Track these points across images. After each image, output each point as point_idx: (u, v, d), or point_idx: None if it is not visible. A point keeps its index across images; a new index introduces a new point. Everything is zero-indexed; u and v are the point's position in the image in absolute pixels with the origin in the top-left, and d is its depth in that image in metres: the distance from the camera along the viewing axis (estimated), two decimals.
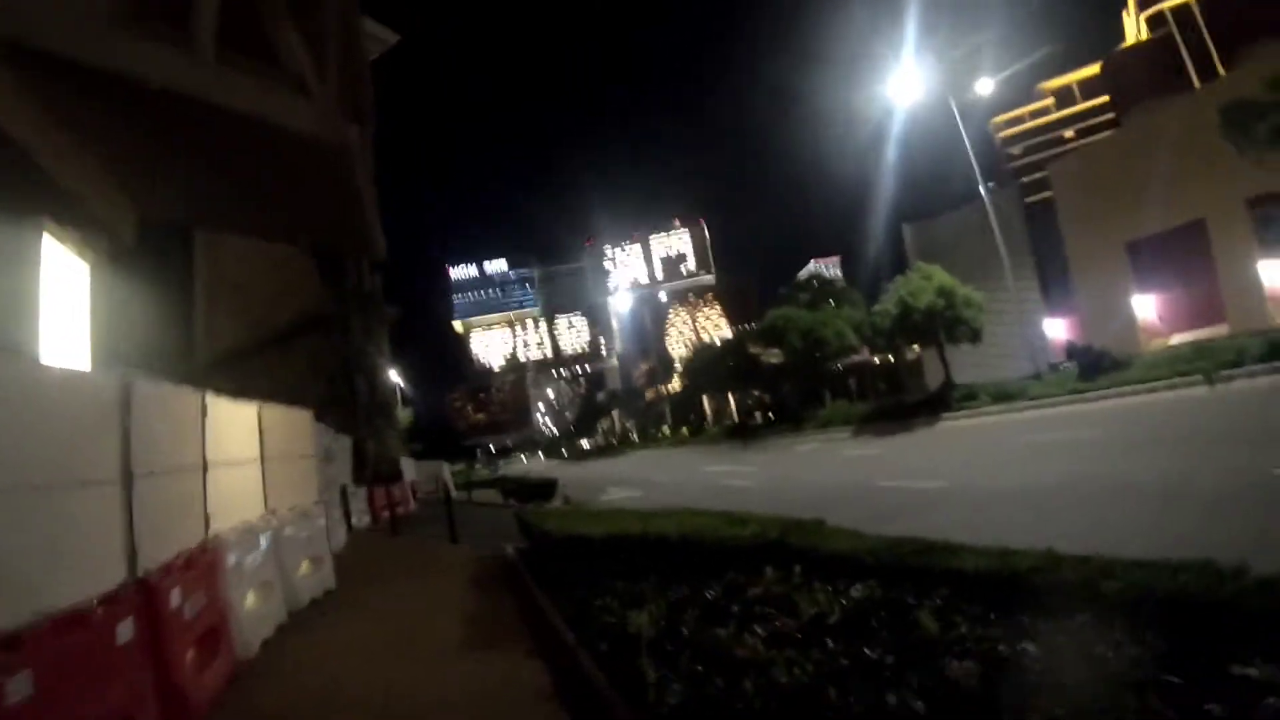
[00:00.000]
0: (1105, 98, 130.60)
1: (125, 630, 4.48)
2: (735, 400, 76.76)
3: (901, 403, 36.96)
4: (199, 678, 5.48)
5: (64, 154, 9.54)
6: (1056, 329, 53.35)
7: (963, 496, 11.35)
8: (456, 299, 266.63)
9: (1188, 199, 41.27)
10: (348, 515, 18.48)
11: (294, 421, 10.26)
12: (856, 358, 52.96)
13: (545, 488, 26.31)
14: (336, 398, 33.13)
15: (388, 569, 11.79)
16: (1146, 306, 45.98)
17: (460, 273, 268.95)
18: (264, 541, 7.65)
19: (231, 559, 6.72)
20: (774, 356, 50.48)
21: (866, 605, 4.70)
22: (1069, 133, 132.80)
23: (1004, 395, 29.21)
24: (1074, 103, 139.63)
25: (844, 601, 4.82)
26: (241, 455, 7.89)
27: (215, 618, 6.13)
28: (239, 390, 11.65)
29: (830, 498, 13.88)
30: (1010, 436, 20.35)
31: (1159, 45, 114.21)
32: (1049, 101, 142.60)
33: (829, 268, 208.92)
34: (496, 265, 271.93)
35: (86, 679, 4.07)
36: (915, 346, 43.03)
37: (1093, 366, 27.60)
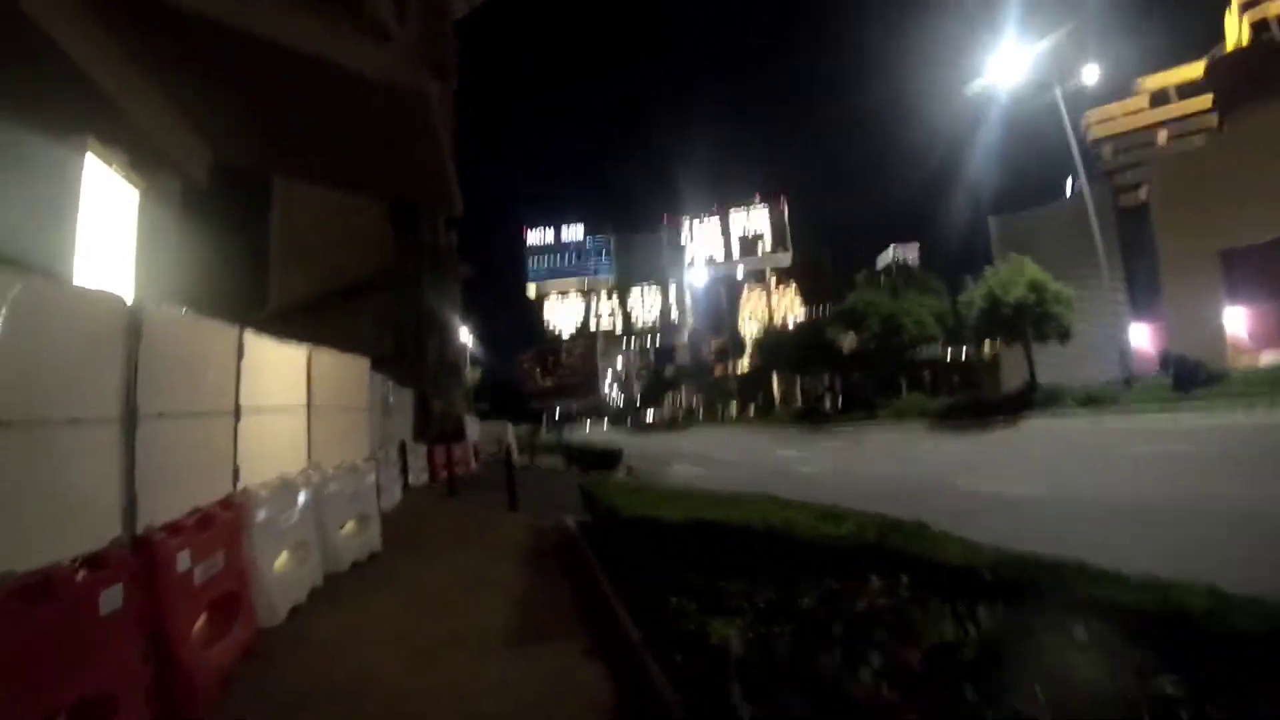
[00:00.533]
0: (1203, 101, 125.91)
1: (112, 598, 3.75)
2: (803, 384, 75.40)
3: (980, 399, 35.44)
4: (207, 653, 4.75)
5: (133, 89, 9.11)
6: (1140, 335, 50.82)
7: (1063, 507, 10.41)
8: (531, 263, 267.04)
9: None
10: (405, 472, 17.99)
11: (348, 370, 9.53)
12: (926, 352, 51.05)
13: (609, 458, 25.57)
14: (404, 353, 33.01)
15: (439, 535, 11.05)
16: (1237, 320, 43.30)
17: (536, 236, 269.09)
18: (303, 498, 6.96)
19: (261, 516, 6.01)
20: (850, 341, 49.16)
21: (1003, 637, 3.72)
22: (1162, 135, 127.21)
23: (1091, 400, 27.92)
24: (1169, 103, 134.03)
25: (972, 629, 3.85)
26: (284, 402, 7.21)
27: (234, 582, 5.42)
28: (307, 341, 11.23)
29: (907, 494, 13.03)
30: (1103, 445, 19.36)
31: (1268, 47, 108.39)
32: (1145, 101, 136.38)
33: (908, 255, 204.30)
34: (573, 231, 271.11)
35: (55, 657, 3.35)
36: (995, 342, 41.36)
37: (1188, 378, 26.11)
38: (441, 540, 10.42)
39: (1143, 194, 50.03)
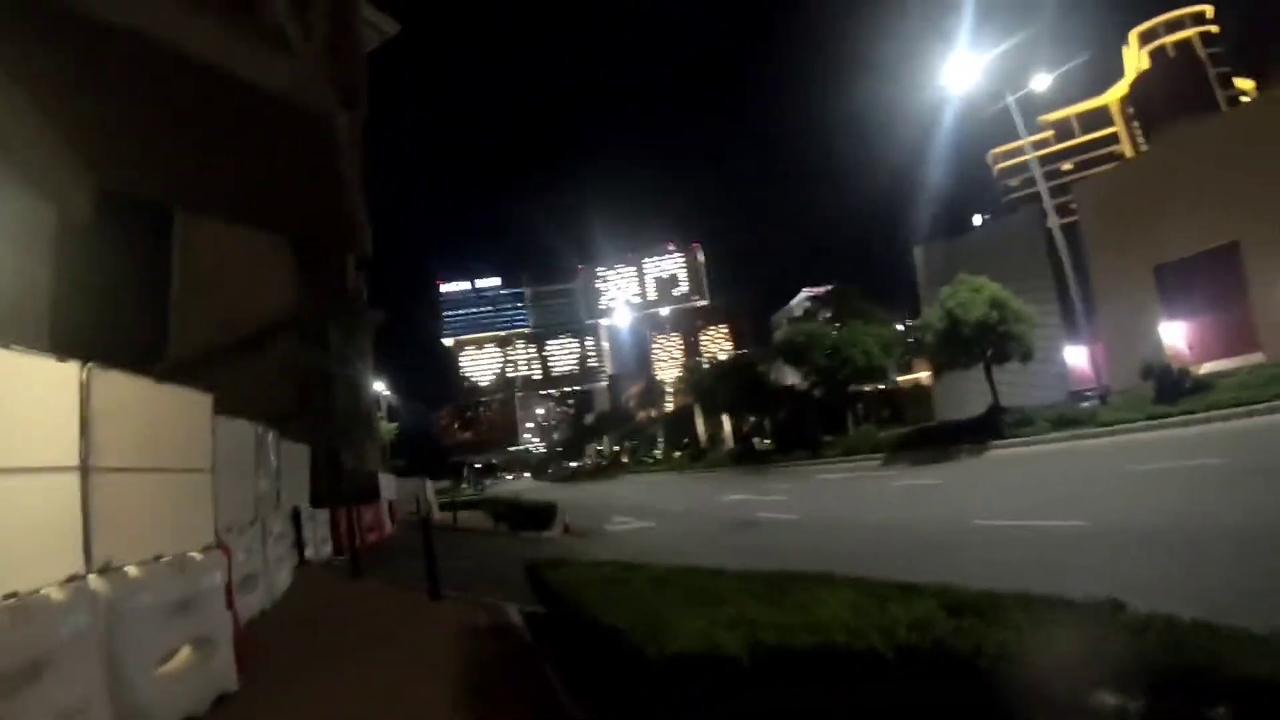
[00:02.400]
0: (1106, 130, 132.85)
1: None
2: (732, 424, 73.25)
3: (938, 428, 33.47)
4: None
5: None
6: (1076, 356, 50.34)
7: (1119, 540, 8.99)
8: (447, 315, 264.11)
9: (1219, 221, 38.05)
10: (301, 546, 14.83)
11: (171, 409, 6.23)
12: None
13: (542, 514, 22.52)
14: (309, 405, 29.72)
15: (331, 646, 7.77)
16: (1175, 334, 42.76)
17: (451, 288, 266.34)
18: (71, 628, 3.99)
19: None
20: (788, 376, 47.36)
21: None
22: (1067, 165, 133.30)
23: (1066, 420, 26.11)
24: (1073, 135, 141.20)
25: None
26: (29, 460, 4.19)
27: None
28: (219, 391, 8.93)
29: (928, 543, 11.14)
30: (1097, 466, 17.86)
31: (1183, 67, 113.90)
32: (1048, 134, 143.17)
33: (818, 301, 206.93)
34: (489, 282, 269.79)
35: None
36: (924, 373, 40.05)
37: (1173, 388, 24.51)
38: (334, 655, 7.32)
39: (1050, 222, 49.35)
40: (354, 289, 38.65)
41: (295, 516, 14.62)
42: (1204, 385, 24.12)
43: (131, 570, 4.80)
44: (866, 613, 4.02)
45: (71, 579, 4.17)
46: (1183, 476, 13.40)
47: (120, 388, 5.12)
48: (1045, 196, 34.06)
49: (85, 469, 4.61)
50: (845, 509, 18.75)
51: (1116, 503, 11.83)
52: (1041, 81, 34.17)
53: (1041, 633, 3.35)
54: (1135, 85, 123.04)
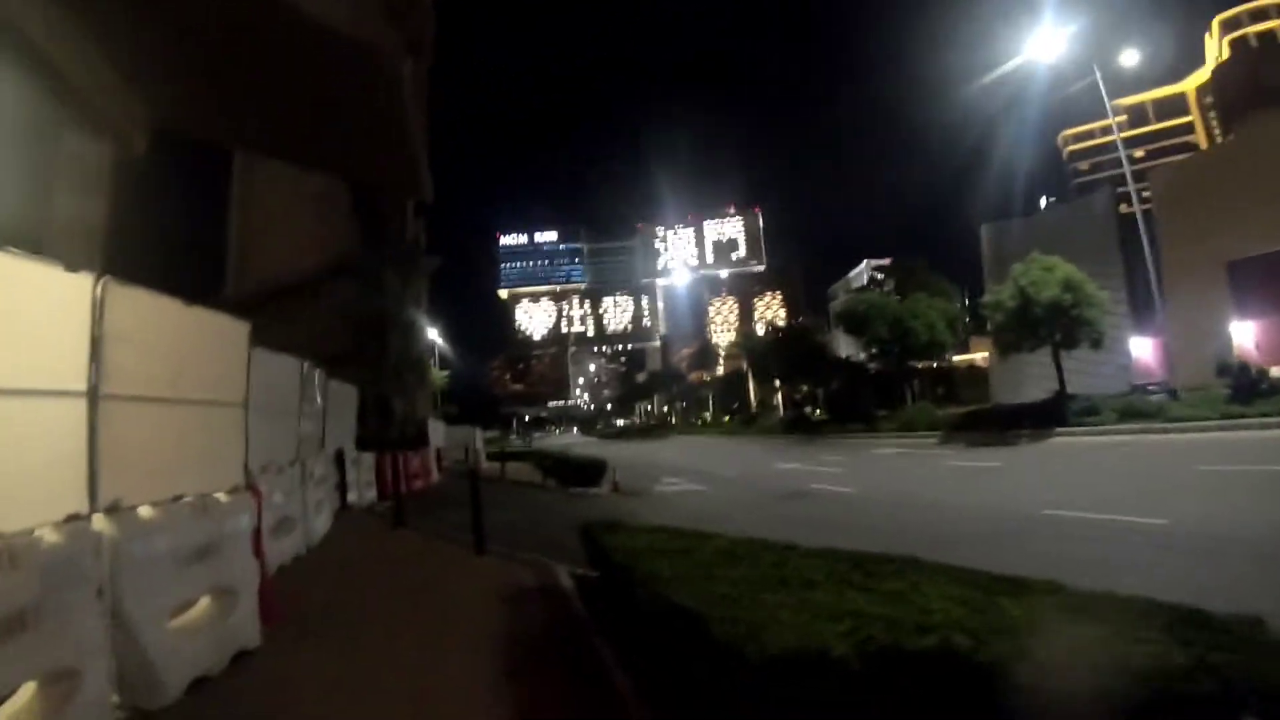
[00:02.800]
0: (1182, 119, 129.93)
1: None
2: (784, 392, 72.28)
3: (999, 410, 32.32)
4: None
5: (61, 33, 7.14)
6: (1140, 349, 48.22)
7: (1204, 542, 8.23)
8: (504, 266, 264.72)
9: None
10: (343, 490, 14.51)
11: (198, 334, 5.63)
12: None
13: (592, 470, 22.11)
14: (363, 350, 29.59)
15: (365, 601, 7.31)
16: (1244, 333, 40.75)
17: (510, 240, 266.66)
18: (58, 574, 3.48)
19: None
20: (844, 347, 46.30)
21: None
22: (1139, 152, 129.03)
23: (1134, 413, 25.07)
24: (1148, 122, 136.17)
25: None
26: (25, 381, 3.67)
27: None
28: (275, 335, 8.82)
29: (997, 530, 10.43)
30: (1167, 462, 16.91)
31: (1266, 57, 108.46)
32: (1122, 119, 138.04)
33: (879, 271, 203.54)
34: (547, 236, 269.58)
35: None
36: (979, 354, 38.71)
37: (1249, 389, 23.38)
38: (366, 610, 6.84)
39: (1132, 208, 47.06)
40: (413, 235, 38.41)
41: (339, 459, 14.27)
42: None
43: (144, 511, 4.29)
44: (979, 610, 3.39)
45: (71, 519, 3.66)
46: (1261, 481, 12.67)
47: (141, 307, 4.60)
48: (1129, 180, 32.23)
49: (94, 395, 4.11)
50: (902, 485, 18.00)
51: (1193, 502, 11.05)
52: (1131, 57, 32.45)
53: (1189, 652, 2.71)
54: (1216, 74, 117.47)
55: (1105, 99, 30.17)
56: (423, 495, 20.03)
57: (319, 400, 11.45)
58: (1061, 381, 29.31)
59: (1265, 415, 20.88)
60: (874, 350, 41.73)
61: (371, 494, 16.48)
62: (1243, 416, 21.47)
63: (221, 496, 5.24)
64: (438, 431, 33.50)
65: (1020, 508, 12.20)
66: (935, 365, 57.47)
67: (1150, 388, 32.44)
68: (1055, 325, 27.23)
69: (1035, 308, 26.80)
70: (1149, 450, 19.88)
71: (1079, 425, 25.72)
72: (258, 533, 5.75)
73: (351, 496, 14.93)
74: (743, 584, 4.22)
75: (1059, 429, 26.06)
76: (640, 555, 5.32)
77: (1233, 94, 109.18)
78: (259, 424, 6.65)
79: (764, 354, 57.67)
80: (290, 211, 28.90)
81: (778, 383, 69.97)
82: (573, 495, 20.43)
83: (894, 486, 17.87)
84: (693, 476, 24.32)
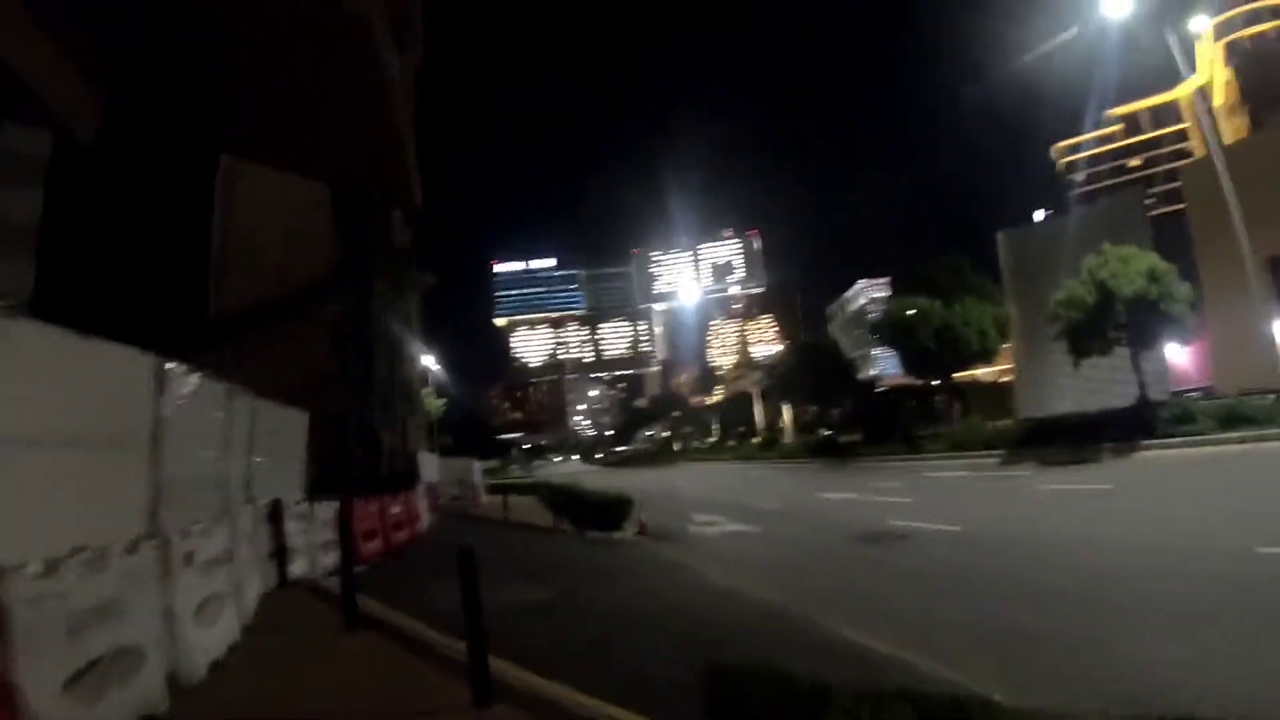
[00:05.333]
0: (1177, 126, 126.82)
1: None
2: (793, 413, 68.38)
3: (1063, 423, 28.68)
4: None
5: None
6: (1175, 354, 45.15)
7: None
8: (500, 295, 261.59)
9: None
10: (281, 559, 10.14)
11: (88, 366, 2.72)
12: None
13: (613, 509, 18.23)
14: (347, 369, 26.23)
15: None
16: None
17: (505, 268, 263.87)
18: None
19: None
20: (867, 362, 42.87)
21: None
22: (1135, 161, 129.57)
23: (1238, 419, 21.94)
24: (1140, 131, 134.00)
25: None
26: None
27: None
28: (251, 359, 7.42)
29: (1220, 578, 7.59)
30: None
31: None
32: (1117, 128, 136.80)
33: (876, 293, 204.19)
34: (544, 262, 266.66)
35: None
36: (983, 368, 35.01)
37: None
38: None
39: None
40: (401, 245, 34.87)
41: (274, 514, 10.00)
42: None
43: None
44: None
45: None
46: None
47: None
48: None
49: None
50: (1010, 519, 14.45)
51: None
52: (1200, 23, 29.26)
53: None
54: (1240, 63, 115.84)
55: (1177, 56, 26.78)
56: (408, 550, 15.66)
57: (245, 431, 7.74)
58: (1143, 387, 26.16)
59: None
60: (917, 361, 38.14)
61: (332, 558, 11.33)
62: None
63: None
64: (430, 465, 29.64)
65: (1211, 544, 9.16)
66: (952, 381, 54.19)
67: (1190, 393, 31.09)
68: (1139, 321, 23.96)
69: (1117, 303, 23.41)
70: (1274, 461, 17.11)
71: (1172, 435, 22.54)
72: None
73: (298, 568, 10.63)
74: None
75: (1146, 441, 22.81)
76: None
77: (1262, 83, 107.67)
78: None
79: (787, 373, 53.88)
80: (275, 222, 26.32)
81: (784, 405, 66.60)
82: (591, 541, 16.68)
83: (1000, 521, 14.30)
84: (729, 512, 20.70)
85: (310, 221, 26.89)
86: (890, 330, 38.01)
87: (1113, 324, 24.54)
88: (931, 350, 36.04)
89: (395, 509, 14.94)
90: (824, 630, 7.36)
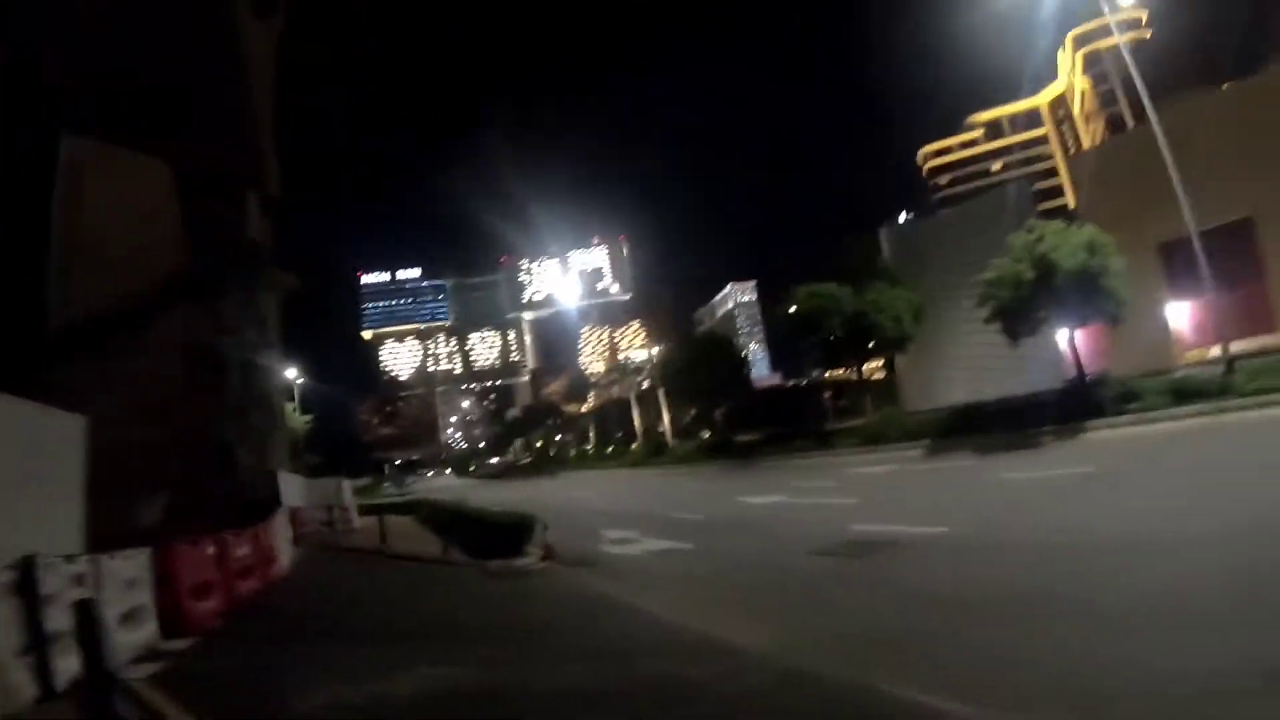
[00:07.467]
0: (1038, 131, 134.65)
1: None
2: (670, 415, 66.73)
3: (988, 409, 27.62)
4: None
5: None
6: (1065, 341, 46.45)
7: None
8: (367, 307, 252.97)
9: (1229, 197, 35.07)
10: (43, 651, 5.48)
11: None
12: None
13: (514, 532, 15.14)
14: (198, 384, 23.39)
15: None
16: (1180, 315, 39.96)
17: (372, 279, 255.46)
18: None
19: None
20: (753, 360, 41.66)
21: None
22: (997, 165, 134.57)
23: (1190, 393, 21.38)
24: (1002, 135, 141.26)
25: None
26: None
27: None
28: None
29: None
30: None
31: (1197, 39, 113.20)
32: (978, 133, 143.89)
33: (745, 295, 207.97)
34: (410, 273, 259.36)
35: None
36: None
37: None
38: None
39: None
40: (257, 238, 30.93)
41: (24, 581, 5.66)
42: None
43: None
44: None
45: None
46: None
47: None
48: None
49: None
50: (986, 516, 12.54)
51: None
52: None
53: None
54: (1137, 51, 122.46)
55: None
56: (257, 605, 11.04)
57: None
58: (1079, 364, 26.24)
59: None
60: (822, 352, 37.14)
61: (144, 632, 7.64)
62: None
63: None
64: (293, 486, 25.76)
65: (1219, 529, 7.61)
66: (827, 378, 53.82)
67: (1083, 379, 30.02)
68: (1079, 297, 23.50)
69: (1056, 278, 22.86)
70: (1246, 434, 16.40)
71: (1120, 414, 21.99)
72: None
73: (74, 662, 5.63)
74: None
75: (1092, 421, 22.34)
76: None
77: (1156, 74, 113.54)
78: None
79: (677, 371, 51.87)
80: (121, 219, 23.78)
81: (663, 408, 65.11)
82: (493, 573, 13.54)
83: (982, 519, 12.29)
84: (644, 525, 18.04)
85: (158, 219, 24.41)
86: (802, 321, 36.45)
87: (1049, 301, 23.80)
88: (841, 339, 34.68)
89: (241, 550, 11.23)
90: (895, 700, 4.79)
